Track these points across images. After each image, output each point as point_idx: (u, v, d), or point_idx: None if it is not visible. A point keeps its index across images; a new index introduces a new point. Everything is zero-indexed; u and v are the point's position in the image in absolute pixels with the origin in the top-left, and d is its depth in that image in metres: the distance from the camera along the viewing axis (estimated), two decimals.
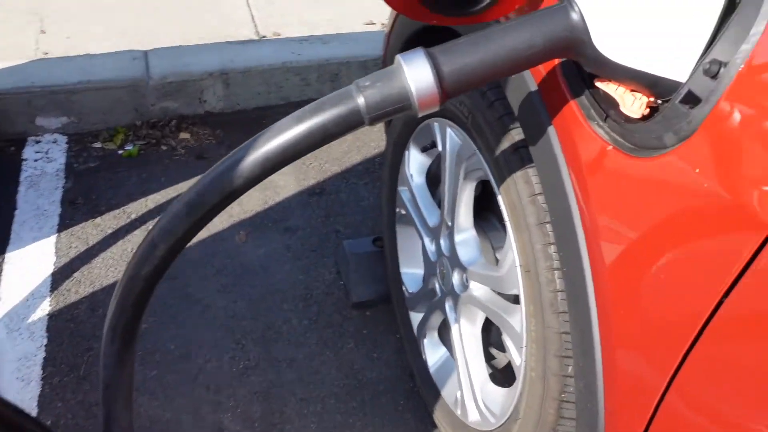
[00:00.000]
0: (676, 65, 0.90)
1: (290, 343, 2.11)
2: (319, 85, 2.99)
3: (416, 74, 0.84)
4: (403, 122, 1.80)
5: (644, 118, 0.97)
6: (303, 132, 0.87)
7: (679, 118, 0.89)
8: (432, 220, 1.74)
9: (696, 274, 0.86)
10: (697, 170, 0.85)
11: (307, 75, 2.95)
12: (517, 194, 1.27)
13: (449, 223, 1.62)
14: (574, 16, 0.86)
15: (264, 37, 3.36)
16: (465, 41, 0.86)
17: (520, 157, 1.27)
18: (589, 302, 1.07)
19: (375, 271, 2.21)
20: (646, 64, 0.89)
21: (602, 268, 1.03)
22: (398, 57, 0.87)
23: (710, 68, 0.84)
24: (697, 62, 0.89)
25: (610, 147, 0.97)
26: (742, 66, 0.80)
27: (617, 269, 1.00)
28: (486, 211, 1.67)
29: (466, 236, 1.58)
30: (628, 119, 0.97)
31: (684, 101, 0.89)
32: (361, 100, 0.86)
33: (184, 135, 2.88)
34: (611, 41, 0.87)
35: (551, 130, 1.09)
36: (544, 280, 1.23)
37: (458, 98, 1.45)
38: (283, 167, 0.91)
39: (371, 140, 2.88)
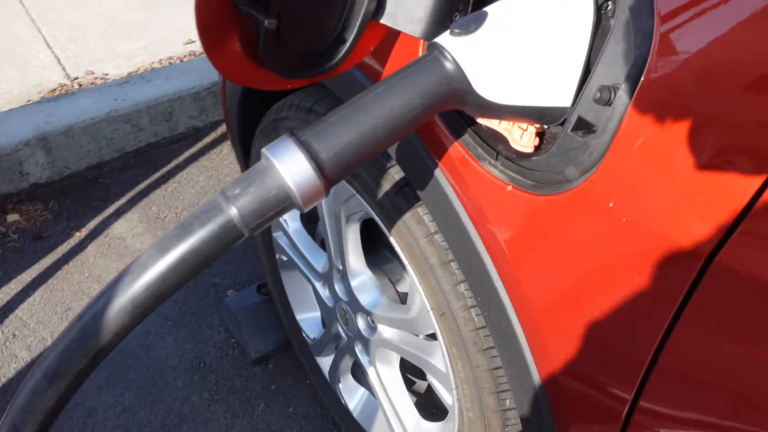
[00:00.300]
0: (560, 92, 0.83)
1: (196, 423, 1.92)
2: (154, 127, 2.75)
3: (292, 169, 0.72)
4: None
5: (537, 148, 0.90)
6: (172, 264, 0.72)
7: (577, 150, 0.82)
8: (319, 265, 1.62)
9: (632, 311, 0.81)
10: (611, 204, 0.79)
11: (137, 120, 2.70)
12: (411, 236, 1.17)
13: (340, 267, 1.50)
14: (449, 65, 0.76)
15: (77, 78, 3.04)
16: (336, 119, 0.74)
17: (405, 197, 1.17)
18: (518, 338, 1.01)
19: (268, 321, 2.06)
20: (532, 98, 0.82)
21: (526, 305, 0.97)
22: (265, 152, 0.73)
23: (601, 96, 0.78)
24: (581, 85, 0.83)
25: (510, 187, 0.90)
26: (638, 90, 0.74)
27: (544, 310, 0.93)
28: (373, 243, 1.57)
29: (362, 279, 1.47)
30: (522, 154, 0.89)
31: (576, 128, 0.83)
32: (234, 212, 0.72)
33: (12, 216, 2.54)
34: (493, 84, 0.78)
35: (439, 174, 1.00)
36: (462, 321, 1.15)
37: None
38: (158, 306, 0.76)
39: (227, 174, 2.69)
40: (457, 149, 0.95)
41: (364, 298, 1.47)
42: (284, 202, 0.73)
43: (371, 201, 1.25)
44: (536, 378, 1.02)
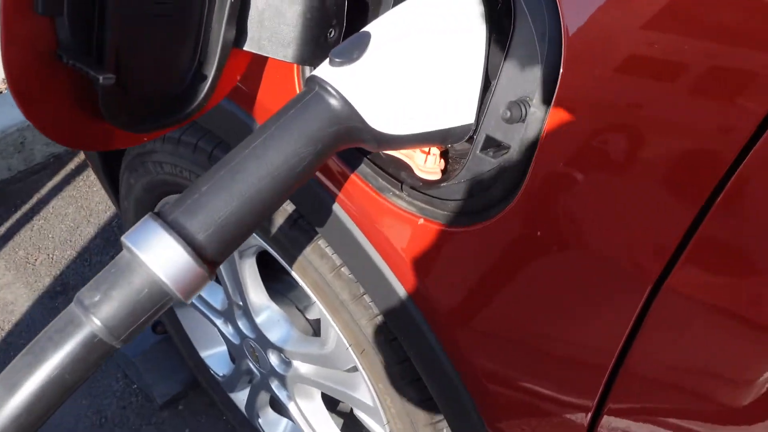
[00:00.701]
0: (461, 110, 0.73)
1: None
2: (6, 161, 2.45)
3: (163, 260, 0.58)
4: (135, 199, 1.46)
5: (444, 171, 0.80)
6: (24, 404, 0.57)
7: (490, 173, 0.73)
8: (217, 302, 1.47)
9: (573, 344, 0.73)
10: (539, 233, 0.70)
11: None
12: (316, 272, 1.05)
13: (240, 304, 1.36)
14: (335, 102, 0.64)
15: None
16: (210, 188, 0.61)
17: (302, 230, 1.05)
18: (444, 368, 0.92)
19: (170, 361, 1.88)
20: (432, 122, 0.71)
21: (453, 340, 0.87)
22: (126, 242, 0.59)
23: (512, 114, 0.68)
24: (483, 97, 0.73)
25: (421, 220, 0.79)
26: (554, 102, 0.65)
27: (473, 345, 0.85)
28: (274, 270, 1.43)
29: (267, 314, 1.34)
30: (429, 182, 0.79)
31: (486, 148, 0.73)
32: (96, 324, 0.58)
33: None
34: (388, 115, 0.67)
35: (338, 209, 0.88)
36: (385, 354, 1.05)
37: (194, 169, 1.18)
38: None
39: (98, 203, 2.45)
40: (355, 182, 0.83)
41: (273, 335, 1.34)
42: (160, 300, 0.59)
43: (264, 236, 1.11)
44: (471, 407, 0.94)
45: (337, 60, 0.65)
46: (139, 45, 0.69)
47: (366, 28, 0.68)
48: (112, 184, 1.63)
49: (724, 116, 0.58)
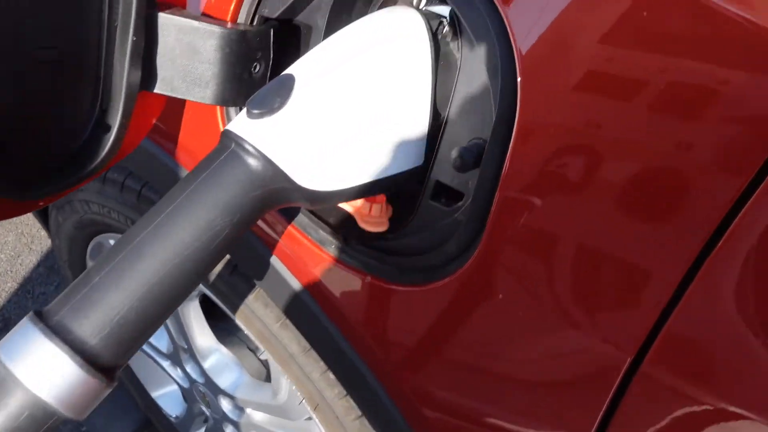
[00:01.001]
0: (407, 154, 0.64)
1: None
2: None
3: (43, 376, 0.47)
4: (66, 238, 1.34)
5: (393, 219, 0.70)
6: None
7: (444, 224, 0.64)
8: (162, 345, 1.36)
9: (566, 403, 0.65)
10: (501, 296, 0.61)
11: None
12: (260, 322, 0.95)
13: (185, 347, 1.25)
14: (255, 163, 0.54)
15: None
16: (101, 279, 0.50)
17: (243, 276, 0.94)
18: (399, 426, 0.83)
19: (120, 401, 1.76)
20: (374, 172, 0.62)
21: (404, 399, 0.78)
22: None
23: (463, 161, 0.59)
24: (433, 135, 0.63)
25: (369, 278, 0.70)
26: (512, 145, 0.56)
27: (428, 404, 0.75)
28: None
29: (216, 358, 1.23)
30: (376, 235, 0.69)
31: (437, 197, 0.64)
32: None
33: None
34: (321, 170, 0.57)
35: (277, 263, 0.78)
36: (341, 410, 0.95)
37: (122, 209, 1.07)
38: None
39: (39, 228, 2.30)
40: (293, 234, 0.73)
41: (223, 380, 1.23)
42: (46, 422, 0.48)
43: (203, 283, 1.00)
44: None
45: (255, 111, 0.54)
46: (20, 98, 0.57)
47: (289, 70, 0.57)
48: (45, 219, 1.51)
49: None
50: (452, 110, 0.61)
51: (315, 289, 0.75)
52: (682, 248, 0.50)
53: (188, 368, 1.31)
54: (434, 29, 0.63)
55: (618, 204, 0.54)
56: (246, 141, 0.54)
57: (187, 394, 1.44)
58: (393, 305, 0.69)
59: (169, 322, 1.23)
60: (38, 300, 2.11)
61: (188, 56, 0.65)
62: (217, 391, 1.26)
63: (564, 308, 0.57)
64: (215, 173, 0.53)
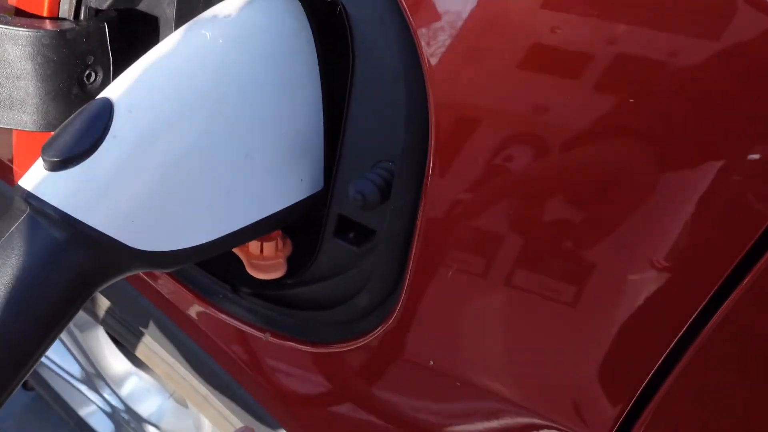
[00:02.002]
0: (294, 183, 0.48)
1: None
2: None
3: None
4: None
5: (292, 258, 0.55)
6: None
7: (353, 265, 0.49)
8: (73, 369, 1.20)
9: None
10: (432, 362, 0.47)
11: None
12: (164, 363, 0.80)
13: (94, 372, 1.10)
14: (61, 232, 0.38)
15: None
16: None
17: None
18: None
19: (49, 422, 1.60)
20: (250, 214, 0.46)
21: None
22: None
23: (366, 199, 0.43)
24: (332, 151, 0.48)
25: (267, 335, 0.55)
26: (431, 173, 0.41)
27: None
28: None
29: (134, 383, 1.08)
30: (272, 283, 0.54)
31: (341, 233, 0.49)
32: None
33: None
34: (170, 225, 0.41)
35: (162, 318, 0.63)
36: None
37: None
38: None
39: None
40: (172, 283, 0.58)
41: (144, 408, 1.09)
42: None
43: (93, 317, 0.85)
44: None
45: (55, 159, 0.38)
46: None
47: (105, 93, 0.41)
48: None
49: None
50: (349, 126, 0.45)
51: (207, 345, 0.60)
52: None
53: (105, 395, 1.15)
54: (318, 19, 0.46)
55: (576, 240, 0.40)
56: (45, 203, 0.38)
57: (113, 419, 1.30)
58: (299, 369, 0.54)
59: (72, 349, 1.07)
60: None
61: None
62: (139, 419, 1.12)
63: (498, 381, 0.44)
64: (5, 254, 0.37)
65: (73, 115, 0.40)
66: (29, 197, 0.38)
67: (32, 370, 0.39)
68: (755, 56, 0.32)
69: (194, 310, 0.58)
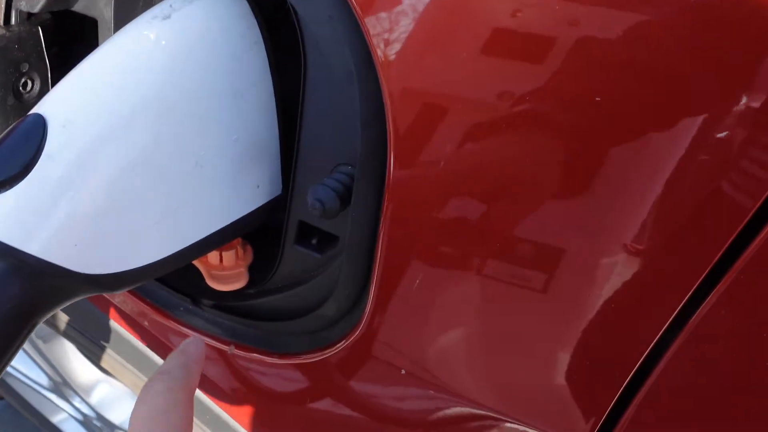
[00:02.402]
0: (252, 188, 0.46)
1: None
2: None
3: None
4: None
5: (254, 267, 0.53)
6: None
7: (322, 278, 0.47)
8: (40, 378, 1.16)
9: None
10: (404, 371, 0.45)
11: None
12: (134, 375, 0.77)
13: (61, 381, 1.07)
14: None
15: None
16: None
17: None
18: None
19: (23, 430, 1.57)
20: (205, 223, 0.44)
21: None
22: None
23: (326, 207, 0.41)
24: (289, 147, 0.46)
25: (232, 347, 0.52)
26: (391, 177, 0.39)
27: None
28: None
29: (104, 391, 1.06)
30: (232, 294, 0.51)
31: (302, 240, 0.47)
32: None
33: None
34: (114, 245, 0.39)
35: (122, 331, 0.60)
36: None
37: None
38: None
39: None
40: (129, 297, 0.55)
41: (116, 416, 1.06)
42: None
43: (55, 330, 0.81)
44: None
45: None
46: None
47: (38, 108, 0.38)
48: None
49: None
50: (304, 129, 0.43)
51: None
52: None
53: (75, 403, 1.12)
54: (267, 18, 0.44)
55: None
56: None
57: (86, 426, 1.27)
58: (266, 382, 0.52)
59: (35, 356, 1.04)
60: None
61: None
62: (112, 426, 1.09)
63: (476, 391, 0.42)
64: None
65: (2, 134, 0.37)
66: None
67: None
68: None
69: (155, 324, 0.55)
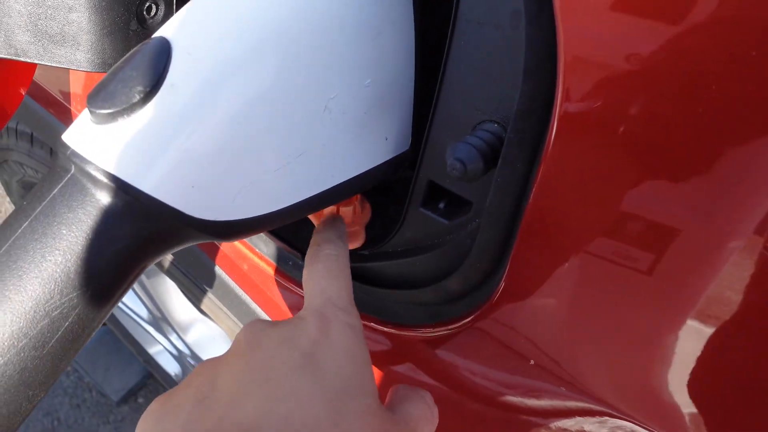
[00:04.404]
0: (381, 140, 0.41)
1: None
2: None
3: None
4: (20, 197, 1.16)
5: (371, 226, 0.49)
6: None
7: (449, 246, 0.42)
8: (141, 310, 1.19)
9: None
10: (533, 361, 0.40)
11: None
12: (230, 320, 0.76)
13: (161, 317, 1.09)
14: (106, 200, 0.32)
15: None
16: None
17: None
18: None
19: (120, 352, 1.64)
20: (327, 176, 0.39)
21: None
22: None
23: (467, 168, 0.36)
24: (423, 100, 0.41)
25: None
26: (554, 137, 0.33)
27: None
28: None
29: (200, 331, 1.06)
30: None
31: (429, 203, 0.42)
32: None
33: None
34: (232, 190, 0.35)
35: (226, 279, 0.58)
36: None
37: None
38: None
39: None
40: (238, 251, 0.52)
41: (209, 356, 1.06)
42: None
43: (159, 267, 0.81)
44: None
45: (102, 112, 0.32)
46: None
47: (162, 30, 0.34)
48: None
49: None
50: (448, 77, 0.37)
51: (273, 314, 0.55)
52: None
53: (172, 339, 1.14)
54: None
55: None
56: (91, 163, 0.32)
57: (179, 361, 1.29)
58: (372, 353, 0.48)
59: (138, 290, 1.05)
60: None
61: (40, 3, 0.42)
62: None
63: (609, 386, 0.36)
64: (47, 221, 0.32)
65: (122, 59, 0.33)
66: (73, 155, 0.32)
67: (85, 343, 0.34)
68: None
69: (261, 276, 0.52)
